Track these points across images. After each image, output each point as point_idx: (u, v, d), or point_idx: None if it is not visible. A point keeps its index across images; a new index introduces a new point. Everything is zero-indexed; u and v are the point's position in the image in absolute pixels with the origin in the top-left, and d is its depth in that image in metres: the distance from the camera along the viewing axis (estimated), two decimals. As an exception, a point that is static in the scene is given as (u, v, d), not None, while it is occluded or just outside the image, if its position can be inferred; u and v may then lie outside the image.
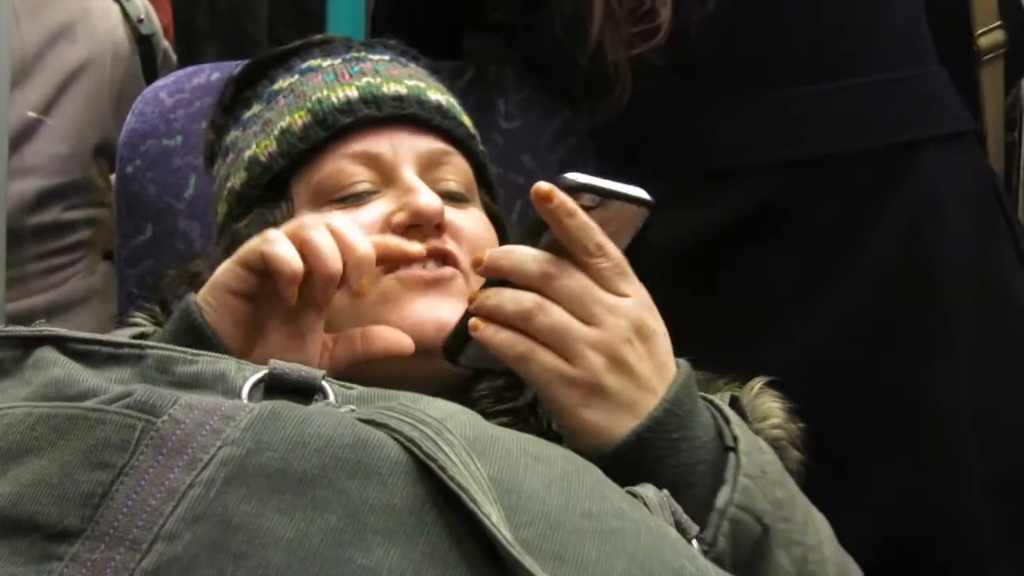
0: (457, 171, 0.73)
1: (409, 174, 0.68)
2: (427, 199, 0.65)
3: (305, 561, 0.38)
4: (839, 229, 0.86)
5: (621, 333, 0.55)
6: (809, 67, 0.86)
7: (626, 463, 0.53)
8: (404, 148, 0.70)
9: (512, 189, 0.88)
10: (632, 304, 0.56)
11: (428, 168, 0.71)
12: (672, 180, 0.81)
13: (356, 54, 0.76)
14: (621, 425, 0.54)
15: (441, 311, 0.63)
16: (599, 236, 0.55)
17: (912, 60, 0.89)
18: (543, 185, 0.53)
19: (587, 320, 0.54)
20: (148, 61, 1.45)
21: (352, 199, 0.69)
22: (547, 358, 0.54)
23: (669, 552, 0.45)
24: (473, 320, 0.56)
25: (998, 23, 0.91)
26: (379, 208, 0.68)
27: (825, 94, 0.85)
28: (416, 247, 0.63)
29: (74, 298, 1.37)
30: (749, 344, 0.82)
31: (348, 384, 0.50)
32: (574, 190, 0.55)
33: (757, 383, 0.69)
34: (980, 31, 0.92)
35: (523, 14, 0.87)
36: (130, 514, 0.40)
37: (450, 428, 0.43)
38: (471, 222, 0.70)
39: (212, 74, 0.99)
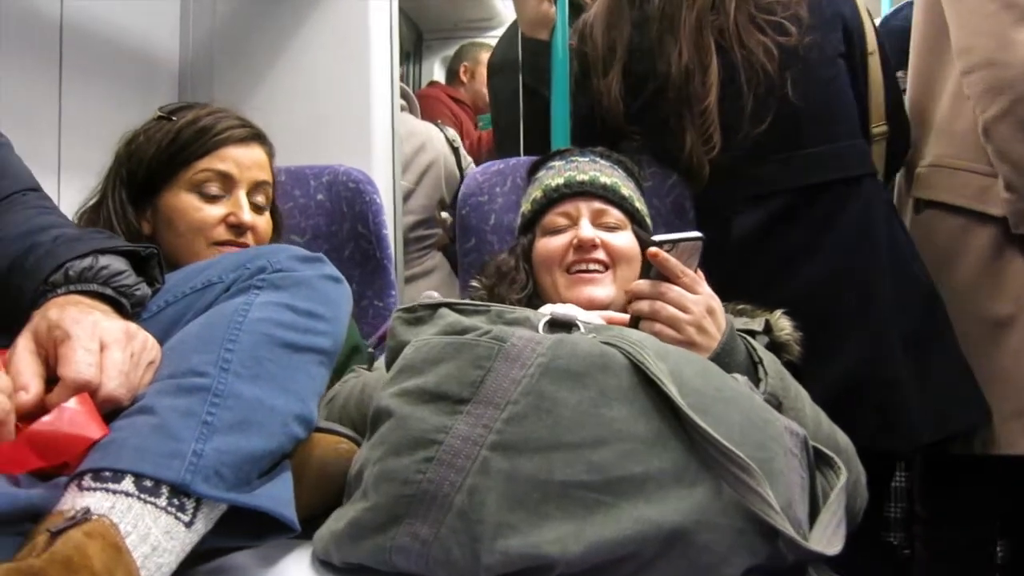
0: (613, 216, 1.30)
1: (584, 221, 1.28)
2: (586, 232, 1.26)
3: (579, 413, 0.76)
4: (823, 220, 1.44)
5: (700, 313, 1.11)
6: (806, 140, 1.46)
7: None
8: (584, 207, 1.30)
9: (652, 216, 1.44)
10: (704, 298, 1.13)
11: (596, 216, 1.30)
12: (731, 201, 1.47)
13: (573, 158, 1.37)
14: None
15: (592, 293, 1.24)
16: (680, 266, 1.12)
17: (854, 136, 1.52)
18: (651, 249, 1.11)
19: (683, 309, 1.11)
20: (457, 160, 2.61)
21: (557, 232, 1.30)
22: (668, 332, 1.10)
23: (759, 408, 0.85)
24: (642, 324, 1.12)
25: (882, 121, 1.59)
26: (569, 236, 1.28)
27: (816, 153, 1.47)
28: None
29: (427, 268, 2.46)
30: (775, 285, 1.39)
31: (588, 322, 0.92)
32: (662, 243, 1.10)
33: (778, 312, 1.26)
34: (873, 124, 1.59)
35: (652, 138, 1.56)
36: (494, 390, 0.78)
37: (646, 345, 0.80)
38: (620, 240, 1.28)
39: (499, 166, 1.68)
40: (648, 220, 1.37)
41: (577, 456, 0.74)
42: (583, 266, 1.25)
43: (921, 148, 1.64)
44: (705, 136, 1.45)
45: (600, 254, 1.25)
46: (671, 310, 1.11)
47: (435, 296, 1.15)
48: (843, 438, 1.15)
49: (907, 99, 1.68)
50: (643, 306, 1.13)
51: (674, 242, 1.12)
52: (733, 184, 1.47)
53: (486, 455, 0.75)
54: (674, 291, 1.12)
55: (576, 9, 1.76)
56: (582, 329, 0.91)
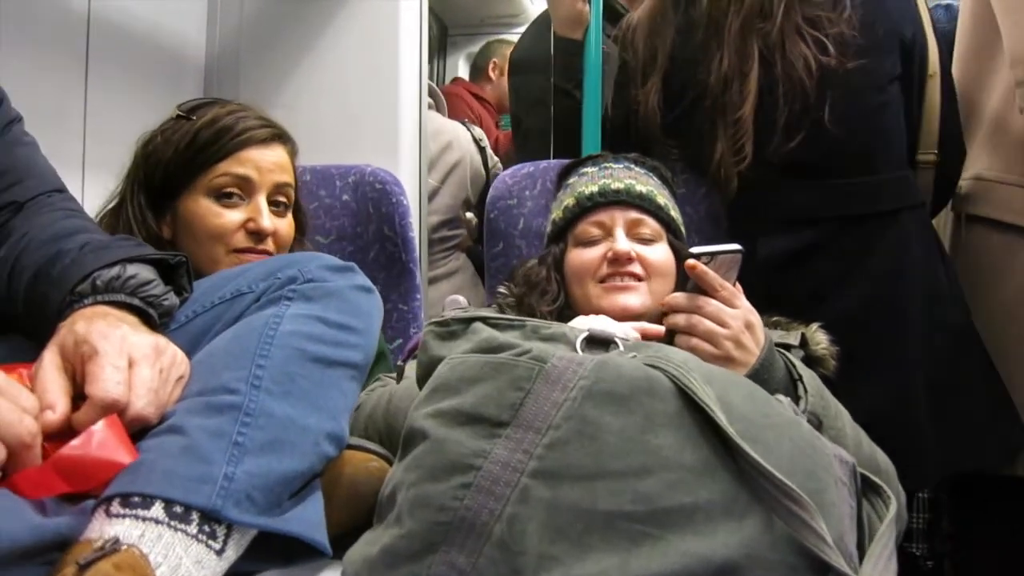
0: (648, 227, 1.26)
1: (619, 232, 1.24)
2: (621, 245, 1.21)
3: (623, 440, 0.73)
4: (857, 252, 1.38)
5: (739, 328, 1.08)
6: (844, 169, 1.40)
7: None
8: (618, 217, 1.25)
9: (685, 223, 1.40)
10: (742, 312, 1.09)
11: (632, 227, 1.25)
12: (763, 226, 1.41)
13: (606, 164, 1.33)
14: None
15: (627, 302, 1.19)
16: (718, 279, 1.08)
17: (899, 167, 1.45)
18: (690, 261, 1.07)
19: (721, 324, 1.07)
20: (484, 160, 2.57)
21: (591, 243, 1.25)
22: (705, 347, 1.07)
23: (808, 434, 0.81)
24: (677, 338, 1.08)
25: (932, 149, 1.50)
26: (603, 248, 1.24)
27: (855, 184, 1.41)
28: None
29: (450, 270, 2.41)
30: (809, 310, 1.29)
31: (626, 339, 0.89)
32: (700, 256, 1.07)
33: (814, 325, 1.23)
34: (920, 151, 1.51)
35: (686, 150, 1.51)
36: (534, 414, 0.75)
37: (692, 367, 0.76)
38: (655, 254, 1.24)
39: (529, 168, 1.65)
40: (683, 230, 1.33)
41: (622, 485, 0.71)
42: (617, 280, 1.21)
43: (966, 160, 1.59)
44: (737, 147, 1.39)
45: (635, 268, 1.21)
46: (708, 324, 1.08)
47: (461, 301, 1.13)
48: (883, 459, 1.11)
49: None
50: (679, 319, 1.09)
51: (712, 254, 1.09)
52: (764, 204, 1.43)
53: (527, 482, 0.71)
54: (712, 305, 1.08)
55: (610, 9, 1.72)
56: (620, 347, 0.87)
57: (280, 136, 1.26)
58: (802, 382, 1.07)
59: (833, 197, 1.41)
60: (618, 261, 1.20)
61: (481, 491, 0.72)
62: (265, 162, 1.21)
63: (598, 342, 0.88)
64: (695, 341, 1.08)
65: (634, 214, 1.25)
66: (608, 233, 1.25)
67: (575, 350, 0.88)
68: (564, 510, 0.70)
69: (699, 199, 1.53)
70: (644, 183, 1.28)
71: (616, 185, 1.27)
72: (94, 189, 1.50)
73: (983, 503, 1.57)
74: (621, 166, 1.32)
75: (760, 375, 1.06)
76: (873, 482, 0.89)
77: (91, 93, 1.61)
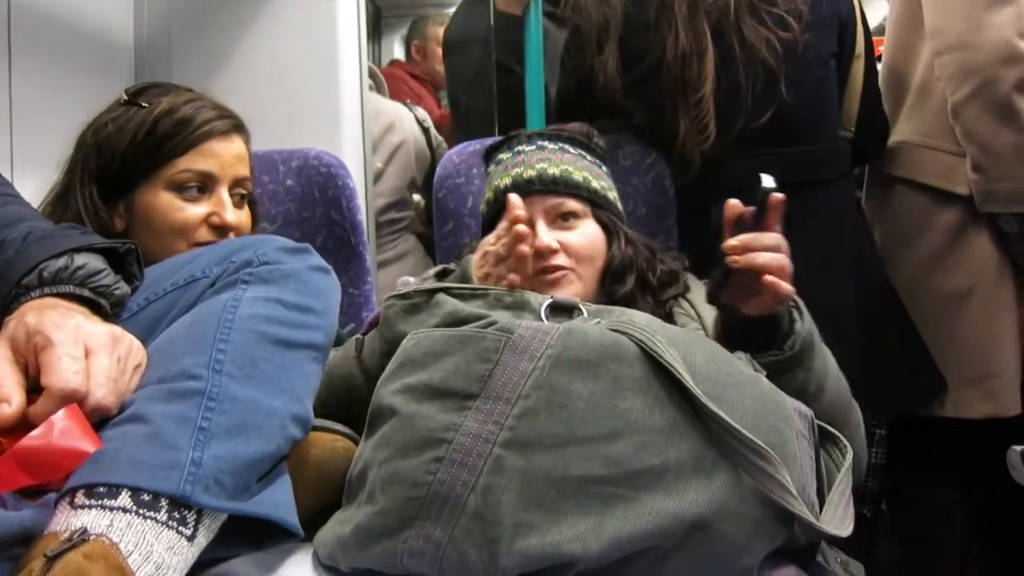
0: (568, 208, 1.19)
1: (539, 225, 1.17)
2: (542, 240, 1.14)
3: (592, 406, 0.74)
4: (796, 220, 1.29)
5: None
6: (792, 139, 1.43)
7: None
8: (536, 207, 1.18)
9: (629, 195, 1.45)
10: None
11: (551, 213, 1.18)
12: (714, 195, 1.28)
13: (519, 148, 1.26)
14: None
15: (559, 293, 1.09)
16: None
17: (835, 137, 1.54)
18: (774, 195, 0.99)
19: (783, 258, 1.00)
20: (428, 141, 2.55)
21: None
22: (783, 285, 0.97)
23: (768, 390, 0.83)
24: (732, 258, 0.97)
25: (851, 126, 1.60)
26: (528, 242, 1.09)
27: (800, 152, 1.45)
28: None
29: (399, 253, 2.37)
30: None
31: (588, 304, 0.90)
32: (772, 189, 0.98)
33: None
34: (841, 128, 1.58)
35: (648, 115, 1.48)
36: (503, 384, 0.75)
37: (655, 330, 0.77)
38: (580, 237, 1.18)
39: (476, 146, 1.62)
40: (612, 193, 1.28)
41: (593, 450, 0.72)
42: (547, 274, 1.15)
43: (893, 124, 1.67)
44: (700, 126, 1.40)
45: (559, 259, 1.15)
46: (782, 258, 0.99)
47: (411, 282, 1.12)
48: (854, 406, 1.12)
49: (881, 75, 1.69)
50: (760, 257, 0.97)
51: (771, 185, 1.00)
52: (715, 174, 1.43)
53: (499, 453, 0.72)
54: (773, 236, 0.99)
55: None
56: (584, 312, 0.88)
57: (239, 127, 1.24)
58: (799, 307, 1.05)
59: (779, 165, 1.41)
60: (541, 256, 1.14)
61: (454, 464, 0.72)
62: (227, 156, 1.18)
63: (562, 309, 0.89)
64: (786, 285, 0.98)
65: (551, 200, 1.19)
66: (532, 224, 1.16)
67: (539, 317, 0.89)
68: (537, 478, 0.71)
69: (645, 168, 1.54)
70: (557, 163, 1.22)
71: (528, 173, 1.20)
72: (24, 182, 1.44)
73: (918, 449, 1.68)
74: (533, 147, 1.25)
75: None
76: (830, 432, 0.93)
77: (16, 84, 1.54)
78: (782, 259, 0.98)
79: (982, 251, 1.51)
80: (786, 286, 0.97)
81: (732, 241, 0.99)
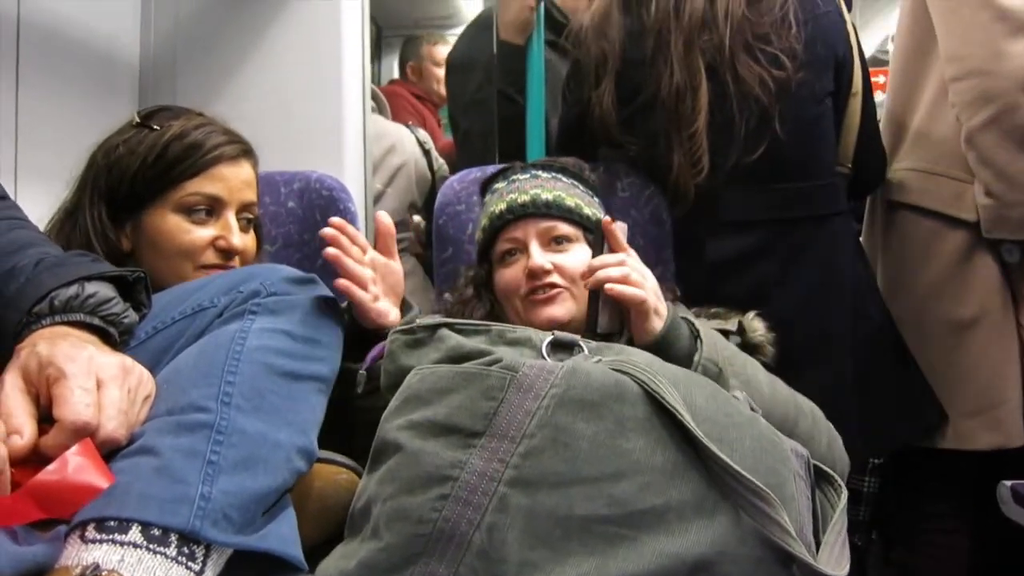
0: (561, 232, 1.25)
1: (533, 246, 1.23)
2: (536, 260, 1.21)
3: (596, 446, 0.75)
4: (793, 255, 1.47)
5: (653, 281, 1.15)
6: (786, 175, 1.46)
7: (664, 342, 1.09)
8: (531, 230, 1.25)
9: (628, 227, 1.39)
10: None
11: (545, 236, 1.24)
12: (709, 230, 1.48)
13: (514, 177, 1.32)
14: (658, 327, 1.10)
15: (552, 313, 1.19)
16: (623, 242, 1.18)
17: (831, 174, 1.54)
18: (606, 219, 1.17)
19: (642, 276, 1.14)
20: (429, 163, 2.56)
21: (510, 261, 1.26)
22: (639, 294, 1.10)
23: (766, 431, 0.85)
24: (608, 287, 1.10)
25: (848, 163, 1.60)
26: (522, 263, 1.23)
27: (794, 189, 1.48)
28: None
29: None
30: (750, 306, 1.32)
31: (588, 340, 0.91)
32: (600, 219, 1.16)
33: (751, 313, 1.28)
34: (838, 164, 1.59)
35: (644, 150, 1.52)
36: (508, 423, 0.77)
37: (657, 370, 0.79)
38: (572, 259, 1.23)
39: (476, 173, 1.64)
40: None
41: (597, 490, 0.73)
42: (540, 292, 1.21)
43: (897, 152, 1.68)
44: (693, 159, 1.43)
45: (554, 279, 1.20)
46: (640, 273, 1.14)
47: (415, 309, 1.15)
48: (805, 401, 1.18)
49: (886, 103, 1.71)
50: (611, 271, 1.12)
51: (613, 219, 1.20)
52: (710, 208, 1.46)
53: (504, 491, 0.73)
54: (634, 256, 1.18)
55: (551, 18, 1.74)
56: (584, 349, 0.90)
57: (248, 152, 1.25)
58: (700, 336, 1.11)
59: (773, 201, 1.47)
60: (535, 276, 1.20)
61: (459, 501, 0.73)
62: (235, 180, 1.20)
63: (562, 345, 0.90)
64: (630, 290, 1.10)
65: (545, 223, 1.24)
66: (524, 247, 1.25)
67: (540, 354, 0.90)
68: (542, 517, 0.72)
69: (643, 202, 1.56)
70: (550, 189, 1.27)
71: (522, 198, 1.26)
72: (27, 196, 1.45)
73: (917, 481, 1.68)
74: (527, 176, 1.31)
75: (672, 329, 1.11)
76: (825, 472, 0.94)
77: (23, 98, 1.56)
78: (624, 270, 1.12)
79: (987, 279, 1.52)
80: (631, 290, 1.10)
81: (583, 270, 1.18)
